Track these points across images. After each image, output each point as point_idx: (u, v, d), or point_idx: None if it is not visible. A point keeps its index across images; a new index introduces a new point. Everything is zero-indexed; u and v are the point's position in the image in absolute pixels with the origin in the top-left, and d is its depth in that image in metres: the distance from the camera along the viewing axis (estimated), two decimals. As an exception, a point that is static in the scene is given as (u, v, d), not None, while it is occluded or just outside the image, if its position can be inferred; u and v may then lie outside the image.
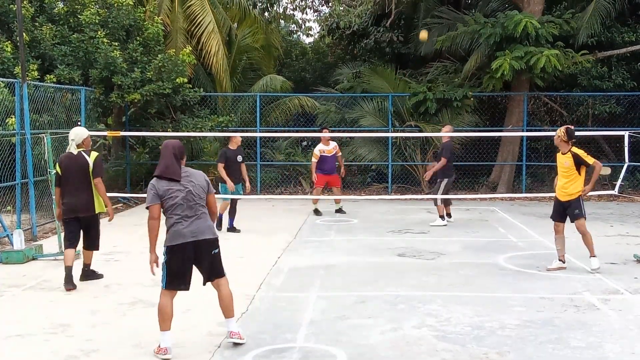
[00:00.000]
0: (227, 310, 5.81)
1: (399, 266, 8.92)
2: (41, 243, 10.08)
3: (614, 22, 17.68)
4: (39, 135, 10.45)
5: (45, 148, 9.59)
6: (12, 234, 9.71)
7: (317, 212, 13.60)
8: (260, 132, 17.32)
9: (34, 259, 9.27)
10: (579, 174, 8.45)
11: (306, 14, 27.00)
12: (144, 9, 16.07)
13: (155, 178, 5.73)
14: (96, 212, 7.96)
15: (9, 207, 11.33)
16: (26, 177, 10.98)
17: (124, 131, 15.74)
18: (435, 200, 12.57)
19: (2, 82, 11.38)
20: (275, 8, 22.41)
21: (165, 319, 5.63)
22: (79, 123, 13.89)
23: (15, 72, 12.81)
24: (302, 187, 17.65)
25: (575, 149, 8.49)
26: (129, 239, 11.00)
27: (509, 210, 14.38)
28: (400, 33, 19.75)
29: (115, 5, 15.05)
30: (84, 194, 7.83)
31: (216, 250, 5.78)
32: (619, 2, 17.20)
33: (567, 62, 16.15)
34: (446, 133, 12.71)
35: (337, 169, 13.56)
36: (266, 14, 21.87)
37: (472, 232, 11.62)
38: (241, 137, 15.06)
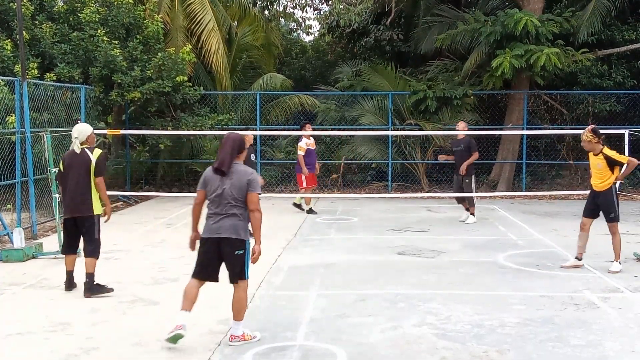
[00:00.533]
0: (235, 312, 5.79)
1: (399, 264, 8.92)
2: (41, 241, 10.08)
3: (614, 21, 17.68)
4: (39, 133, 10.45)
5: (45, 146, 9.59)
6: (12, 232, 9.71)
7: (311, 211, 13.60)
8: (260, 130, 17.33)
9: (34, 257, 9.27)
10: (612, 172, 8.48)
11: (306, 12, 27.01)
12: (143, 7, 16.06)
13: (211, 167, 5.85)
14: (94, 213, 7.41)
15: (9, 206, 11.33)
16: (26, 175, 10.98)
17: (124, 129, 15.74)
18: (471, 200, 12.49)
19: (2, 80, 11.38)
20: (275, 6, 22.42)
21: (186, 298, 5.73)
22: (79, 121, 13.90)
23: (15, 71, 12.81)
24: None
25: (606, 151, 8.45)
26: (129, 237, 11.00)
27: (509, 209, 14.38)
28: (400, 31, 19.74)
29: (115, 3, 15.04)
30: (84, 194, 7.38)
31: (240, 252, 5.70)
32: (619, 0, 17.19)
33: (567, 60, 16.15)
34: (463, 131, 12.65)
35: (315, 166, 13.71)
36: (266, 12, 21.88)
37: (472, 231, 11.62)
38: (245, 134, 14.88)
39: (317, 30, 26.22)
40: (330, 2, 25.06)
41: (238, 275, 5.74)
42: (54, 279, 8.07)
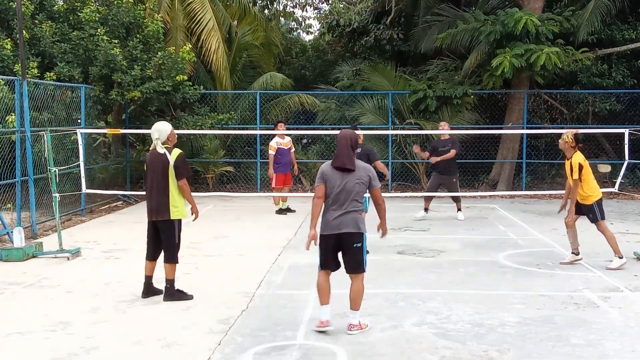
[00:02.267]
0: (352, 302, 6.07)
1: (399, 264, 8.92)
2: (41, 240, 10.08)
3: (614, 20, 17.67)
4: (39, 132, 10.45)
5: (45, 146, 9.59)
6: (12, 232, 9.71)
7: (281, 211, 13.47)
8: (260, 129, 17.33)
9: (34, 256, 9.28)
10: (581, 180, 8.47)
11: (306, 11, 27.10)
12: (143, 6, 16.04)
13: (327, 163, 6.06)
14: (171, 217, 7.08)
15: (9, 205, 11.33)
16: (26, 174, 10.97)
17: (124, 129, 15.73)
18: (458, 196, 12.55)
19: (2, 79, 11.38)
20: (275, 5, 22.38)
21: (322, 294, 6.08)
22: (79, 121, 13.91)
23: (15, 70, 12.80)
24: (302, 184, 17.65)
25: (576, 157, 8.48)
26: (129, 236, 10.99)
27: (509, 208, 14.38)
28: (400, 30, 19.74)
29: (115, 2, 15.02)
30: (160, 196, 7.07)
31: (358, 244, 6.00)
32: (619, -1, 17.21)
33: (567, 59, 16.15)
34: (446, 131, 12.75)
35: (290, 166, 13.62)
36: (266, 11, 21.85)
37: (472, 230, 11.62)
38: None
39: (317, 30, 26.20)
40: (330, 1, 25.06)
41: (357, 267, 6.07)
42: (54, 278, 8.09)
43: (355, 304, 6.03)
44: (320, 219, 6.05)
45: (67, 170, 11.62)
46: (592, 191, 8.53)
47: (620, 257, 8.53)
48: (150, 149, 7.26)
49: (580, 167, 8.39)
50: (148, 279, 7.27)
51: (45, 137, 9.59)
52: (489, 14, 17.27)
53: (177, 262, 7.18)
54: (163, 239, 7.16)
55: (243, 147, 18.43)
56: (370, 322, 6.30)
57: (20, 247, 9.18)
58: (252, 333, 6.00)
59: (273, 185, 13.48)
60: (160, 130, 7.14)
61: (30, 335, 5.99)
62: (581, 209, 8.67)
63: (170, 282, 7.12)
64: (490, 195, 16.02)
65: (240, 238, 10.89)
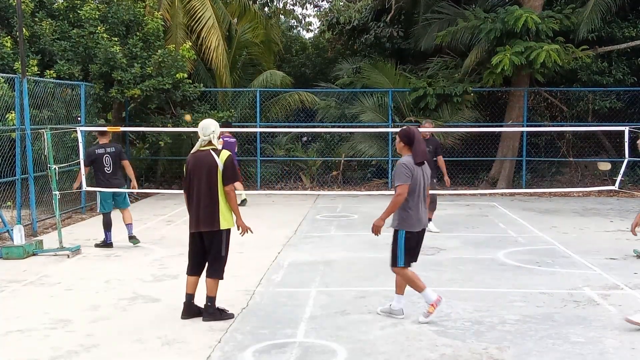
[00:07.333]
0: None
1: (399, 261, 8.90)
2: (41, 238, 10.08)
3: (614, 17, 17.67)
4: (39, 130, 10.44)
5: (45, 143, 9.59)
6: (12, 230, 9.71)
7: None
8: (260, 127, 17.33)
9: (34, 254, 9.28)
10: None
11: (306, 9, 27.07)
12: (143, 4, 16.03)
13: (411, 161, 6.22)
14: (221, 228, 6.38)
15: (9, 203, 11.33)
16: (26, 172, 10.98)
17: (124, 127, 15.71)
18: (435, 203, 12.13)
19: (2, 77, 11.37)
20: (275, 3, 22.41)
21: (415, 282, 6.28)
22: (79, 119, 13.91)
23: (15, 68, 12.79)
24: (302, 182, 17.65)
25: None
26: (129, 234, 10.98)
27: (509, 206, 14.38)
28: (400, 28, 19.74)
29: (115, 0, 15.02)
30: (208, 204, 6.35)
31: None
32: (619, -3, 17.19)
33: (567, 57, 16.14)
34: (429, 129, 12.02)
35: None
36: (266, 9, 21.86)
37: (472, 228, 11.62)
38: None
39: (317, 27, 26.22)
40: (330, -1, 25.08)
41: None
42: (54, 276, 8.09)
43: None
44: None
45: (67, 168, 11.61)
46: None
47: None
48: (192, 151, 6.47)
49: None
50: (189, 298, 6.44)
51: (45, 135, 9.59)
52: (489, 11, 17.27)
53: (222, 279, 6.45)
54: (210, 251, 6.41)
55: (243, 145, 18.44)
56: (370, 320, 6.31)
57: (21, 245, 9.19)
58: (252, 331, 6.01)
59: None
60: (210, 126, 6.35)
61: (30, 333, 5.99)
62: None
63: (211, 299, 6.35)
64: (490, 193, 16.01)
65: (239, 235, 10.86)
